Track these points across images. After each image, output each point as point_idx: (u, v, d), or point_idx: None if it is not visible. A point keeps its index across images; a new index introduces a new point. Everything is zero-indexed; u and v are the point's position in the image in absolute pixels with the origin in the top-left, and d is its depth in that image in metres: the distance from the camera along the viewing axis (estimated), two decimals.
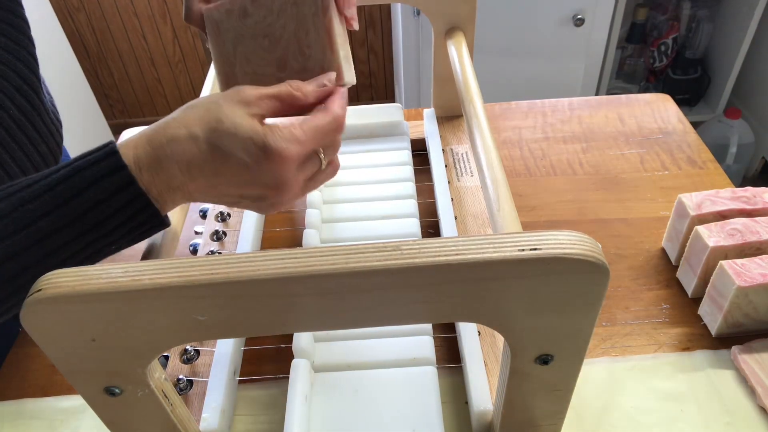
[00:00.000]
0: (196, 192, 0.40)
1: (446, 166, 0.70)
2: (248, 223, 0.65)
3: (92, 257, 0.40)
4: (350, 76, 0.46)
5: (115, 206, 0.38)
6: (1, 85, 0.52)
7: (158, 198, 0.39)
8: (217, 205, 0.68)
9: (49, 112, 0.60)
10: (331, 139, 0.42)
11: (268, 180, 0.39)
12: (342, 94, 0.44)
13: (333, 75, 0.44)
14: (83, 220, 0.38)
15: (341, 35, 0.45)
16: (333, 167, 0.45)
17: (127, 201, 0.38)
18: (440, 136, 0.74)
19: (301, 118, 0.40)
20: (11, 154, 0.53)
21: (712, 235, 0.55)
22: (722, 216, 0.58)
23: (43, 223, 0.37)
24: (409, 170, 0.71)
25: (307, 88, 0.42)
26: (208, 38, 0.48)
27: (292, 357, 0.51)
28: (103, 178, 0.37)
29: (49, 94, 0.63)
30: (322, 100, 0.43)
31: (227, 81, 0.48)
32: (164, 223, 0.41)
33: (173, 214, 0.48)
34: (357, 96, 2.25)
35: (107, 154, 0.38)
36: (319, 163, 0.43)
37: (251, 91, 0.40)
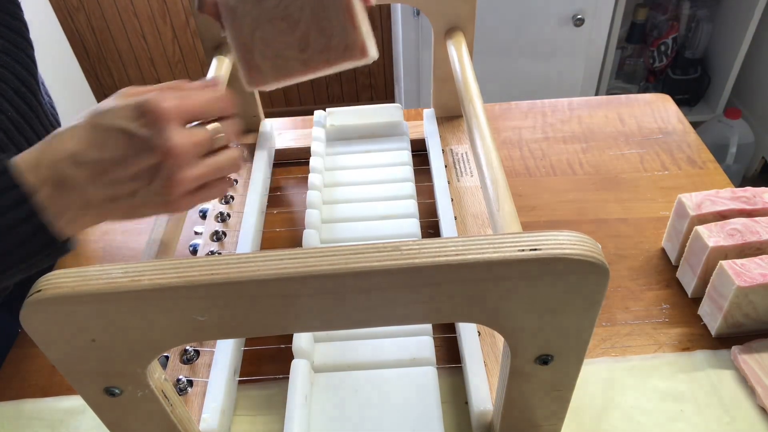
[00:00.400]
0: (89, 184, 0.38)
1: (446, 167, 0.70)
2: (248, 223, 0.65)
3: None
4: (374, 51, 0.46)
5: (7, 224, 0.37)
6: None
7: (48, 203, 0.38)
8: (217, 205, 0.68)
9: (47, 114, 0.60)
10: (213, 109, 0.42)
11: (152, 139, 0.38)
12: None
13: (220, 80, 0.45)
14: None
15: (360, 11, 0.45)
16: (233, 152, 0.43)
17: (19, 219, 0.37)
18: (440, 137, 0.74)
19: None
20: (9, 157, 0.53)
21: (712, 235, 0.55)
22: (722, 216, 0.58)
23: None
24: (408, 170, 0.71)
25: (192, 84, 0.43)
26: (224, 26, 0.47)
27: (292, 357, 0.51)
28: None
29: (48, 95, 0.63)
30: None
31: (249, 69, 0.47)
32: (56, 241, 0.39)
33: (175, 215, 0.48)
34: (357, 96, 2.25)
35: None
36: (207, 133, 0.41)
37: (133, 89, 0.41)
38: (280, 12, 0.45)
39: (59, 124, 0.63)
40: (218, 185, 0.43)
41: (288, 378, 0.49)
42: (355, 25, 0.44)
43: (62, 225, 0.39)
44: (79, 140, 0.38)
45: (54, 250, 0.39)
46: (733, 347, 0.54)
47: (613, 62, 1.98)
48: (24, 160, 0.38)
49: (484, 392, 0.48)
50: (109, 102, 0.39)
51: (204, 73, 0.58)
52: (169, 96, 0.39)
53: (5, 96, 0.53)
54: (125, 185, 0.39)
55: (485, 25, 1.58)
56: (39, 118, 0.57)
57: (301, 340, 0.51)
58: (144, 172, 0.39)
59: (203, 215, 0.68)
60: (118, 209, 0.40)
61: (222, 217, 0.66)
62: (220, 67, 0.61)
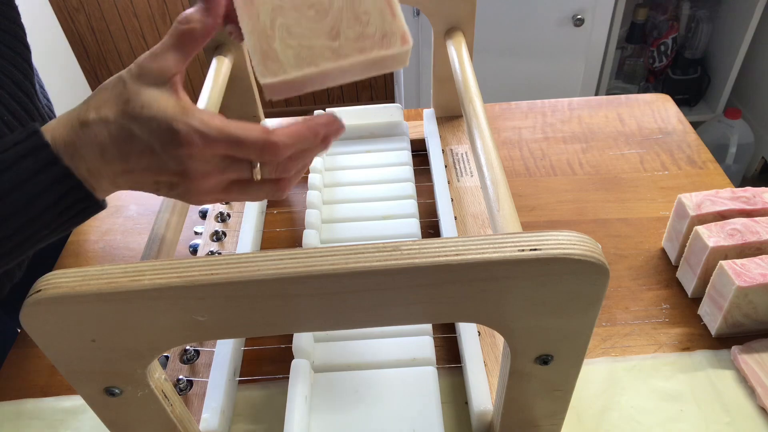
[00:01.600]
0: (117, 177, 0.39)
1: (446, 167, 0.70)
2: (248, 223, 0.65)
3: (26, 244, 0.39)
4: (411, 41, 0.42)
5: (40, 186, 0.37)
6: None
7: (83, 182, 0.38)
8: (216, 206, 0.68)
9: (44, 118, 0.60)
10: (257, 155, 0.38)
11: (173, 166, 0.38)
12: (310, 128, 0.39)
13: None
14: (6, 202, 0.37)
15: None
16: (278, 186, 0.41)
17: (53, 180, 0.37)
18: (440, 137, 0.74)
19: (224, 119, 0.38)
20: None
21: (712, 235, 0.55)
22: (722, 216, 0.58)
23: None
24: (408, 170, 0.71)
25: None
26: (238, 12, 0.43)
27: (292, 357, 0.51)
28: (24, 158, 0.37)
29: (46, 98, 0.63)
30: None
31: (265, 60, 0.42)
32: (95, 201, 0.39)
33: (175, 216, 0.48)
34: (357, 96, 2.25)
35: (28, 134, 0.37)
36: (248, 172, 0.40)
37: (164, 62, 0.39)
38: None
39: None
40: (242, 199, 0.42)
41: (288, 378, 0.49)
42: (393, 12, 0.41)
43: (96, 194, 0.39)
44: (106, 139, 0.37)
45: (89, 206, 0.40)
46: (733, 347, 0.54)
47: (613, 62, 1.98)
48: (55, 141, 0.37)
49: (484, 392, 0.48)
50: (138, 93, 0.38)
51: (204, 74, 0.58)
52: (203, 127, 0.37)
53: (1, 100, 0.53)
54: (149, 186, 0.40)
55: (485, 25, 1.58)
56: (35, 122, 0.57)
57: (301, 340, 0.51)
58: (165, 184, 0.39)
59: (203, 215, 0.68)
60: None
61: (222, 217, 0.66)
62: (219, 68, 0.61)
